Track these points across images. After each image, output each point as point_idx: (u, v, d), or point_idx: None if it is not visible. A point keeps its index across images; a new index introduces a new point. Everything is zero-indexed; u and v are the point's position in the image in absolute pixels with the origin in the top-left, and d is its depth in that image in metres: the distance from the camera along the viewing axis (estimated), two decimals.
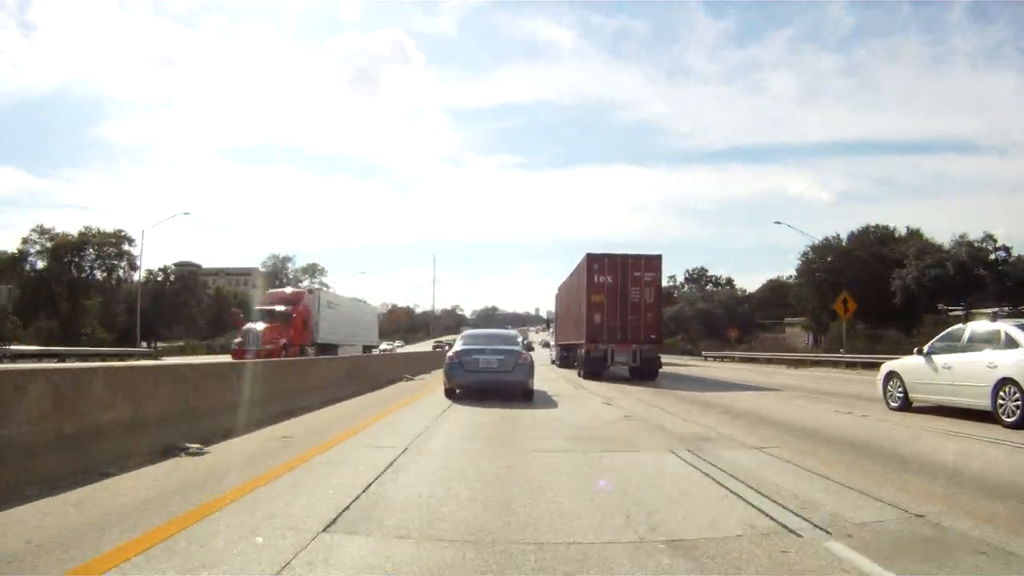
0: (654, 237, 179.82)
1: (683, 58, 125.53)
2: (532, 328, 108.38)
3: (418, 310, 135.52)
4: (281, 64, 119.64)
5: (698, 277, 76.23)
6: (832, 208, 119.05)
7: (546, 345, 52.71)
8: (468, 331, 14.50)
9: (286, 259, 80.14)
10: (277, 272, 77.63)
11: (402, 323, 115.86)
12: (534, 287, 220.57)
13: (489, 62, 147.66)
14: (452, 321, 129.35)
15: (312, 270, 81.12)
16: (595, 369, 17.93)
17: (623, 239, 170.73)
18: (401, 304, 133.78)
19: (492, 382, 11.25)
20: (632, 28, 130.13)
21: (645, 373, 17.77)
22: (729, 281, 76.06)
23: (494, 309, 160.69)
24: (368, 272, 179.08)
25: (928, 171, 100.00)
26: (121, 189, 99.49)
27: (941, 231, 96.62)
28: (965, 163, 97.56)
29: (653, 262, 18.32)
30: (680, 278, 74.72)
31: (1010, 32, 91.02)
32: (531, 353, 12.82)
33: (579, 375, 19.11)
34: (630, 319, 17.76)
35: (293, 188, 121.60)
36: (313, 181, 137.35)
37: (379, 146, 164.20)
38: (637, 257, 18.23)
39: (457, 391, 11.47)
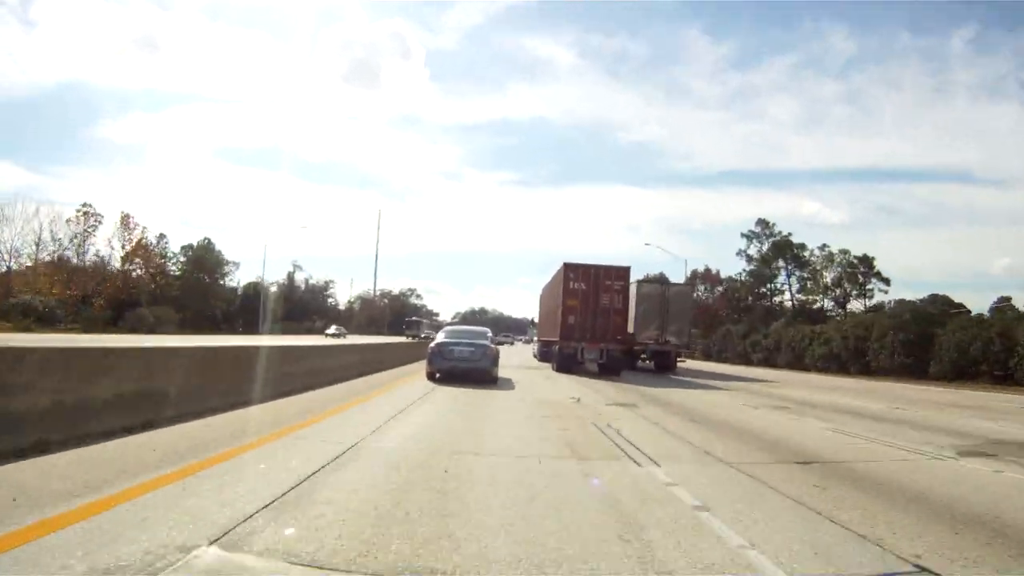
0: (649, 257, 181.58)
1: (682, 81, 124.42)
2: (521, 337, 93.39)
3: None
4: (277, 67, 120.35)
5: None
6: (838, 231, 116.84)
7: (529, 342, 57.23)
8: (448, 327, 17.47)
9: None
10: None
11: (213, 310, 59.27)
12: (529, 299, 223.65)
13: (489, 79, 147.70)
14: (375, 311, 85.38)
15: None
16: (566, 364, 20.43)
17: (619, 258, 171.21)
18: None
19: (464, 368, 14.14)
20: (631, 50, 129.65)
21: (611, 369, 20.18)
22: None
23: (483, 311, 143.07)
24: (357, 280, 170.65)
25: (927, 200, 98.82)
26: (115, 186, 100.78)
27: (940, 262, 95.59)
28: (964, 193, 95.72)
29: (622, 272, 20.78)
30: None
31: (1012, 65, 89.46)
32: (498, 348, 15.83)
33: (553, 369, 21.63)
34: (599, 322, 20.21)
35: (287, 194, 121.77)
36: (307, 187, 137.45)
37: (375, 157, 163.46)
38: (608, 268, 20.71)
39: (437, 375, 14.24)
